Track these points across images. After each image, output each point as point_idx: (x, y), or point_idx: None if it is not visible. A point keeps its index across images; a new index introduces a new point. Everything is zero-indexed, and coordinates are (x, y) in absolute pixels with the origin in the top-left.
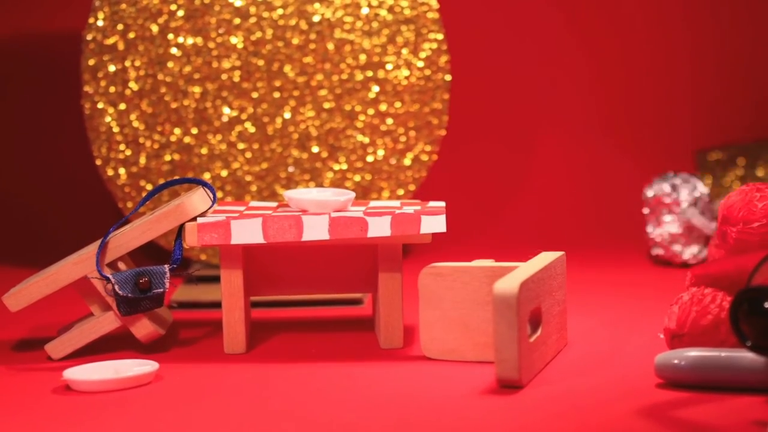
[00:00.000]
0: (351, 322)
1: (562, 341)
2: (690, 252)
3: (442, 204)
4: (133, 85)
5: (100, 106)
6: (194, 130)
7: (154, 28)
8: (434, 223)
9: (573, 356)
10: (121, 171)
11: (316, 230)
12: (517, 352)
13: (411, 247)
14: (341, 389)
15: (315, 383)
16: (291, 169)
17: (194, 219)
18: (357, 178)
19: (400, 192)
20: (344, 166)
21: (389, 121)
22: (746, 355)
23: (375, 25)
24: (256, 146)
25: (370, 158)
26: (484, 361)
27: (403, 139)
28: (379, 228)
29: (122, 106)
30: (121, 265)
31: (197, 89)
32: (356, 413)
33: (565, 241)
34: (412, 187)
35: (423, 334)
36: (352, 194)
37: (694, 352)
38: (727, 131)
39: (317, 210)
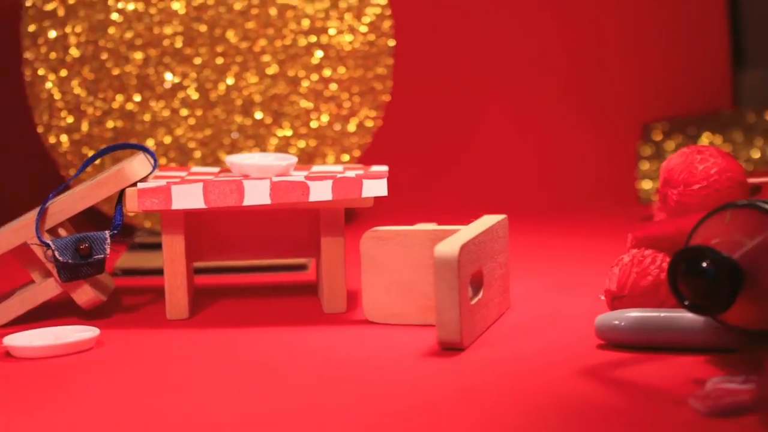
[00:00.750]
0: (295, 288)
1: (504, 304)
2: None
3: (385, 168)
4: (74, 52)
5: (40, 72)
6: (137, 97)
7: None
8: (375, 187)
9: (515, 319)
10: (63, 138)
11: (257, 195)
12: (458, 315)
13: (356, 212)
14: (283, 354)
15: (257, 349)
16: (234, 135)
17: (135, 184)
18: (301, 144)
19: (345, 158)
20: (288, 132)
21: (333, 86)
22: (685, 316)
23: None
24: (199, 113)
25: (314, 124)
26: (427, 324)
27: (347, 104)
28: (321, 192)
29: (63, 73)
30: (62, 232)
31: (139, 55)
32: (299, 378)
33: (510, 206)
34: (356, 153)
35: (366, 299)
36: (294, 159)
37: (634, 313)
38: (674, 104)
39: (259, 175)
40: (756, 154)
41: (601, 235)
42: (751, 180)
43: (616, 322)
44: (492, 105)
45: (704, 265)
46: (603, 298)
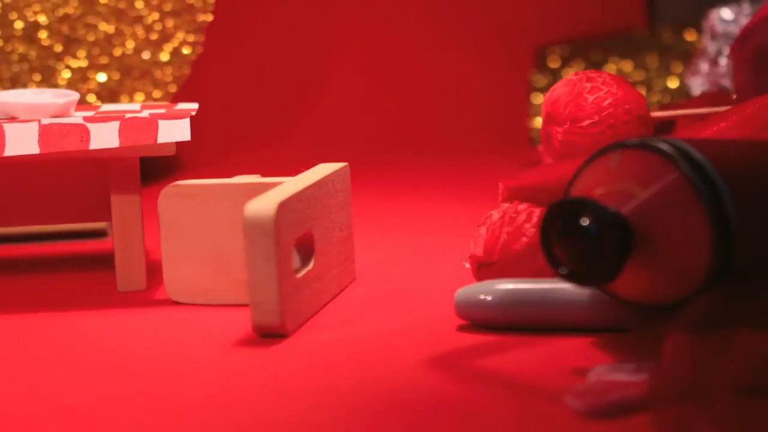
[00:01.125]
0: (88, 261)
1: (347, 276)
2: None
3: (193, 105)
4: None
5: None
6: None
7: None
8: (175, 129)
9: (359, 295)
10: None
11: (22, 142)
12: (277, 292)
13: (167, 164)
14: (64, 346)
15: (32, 338)
16: (17, 68)
17: None
18: (101, 77)
19: (158, 94)
20: (84, 63)
21: (139, 4)
22: (567, 287)
23: None
24: None
25: (117, 52)
26: (244, 304)
27: (158, 27)
28: (105, 137)
29: None
30: None
31: None
32: (80, 378)
33: (369, 154)
34: (172, 88)
35: (167, 273)
36: (75, 95)
37: (502, 285)
38: (575, 23)
39: (28, 116)
40: (673, 83)
41: (478, 186)
42: (657, 114)
43: (482, 297)
44: (351, 27)
45: (584, 222)
46: (468, 266)
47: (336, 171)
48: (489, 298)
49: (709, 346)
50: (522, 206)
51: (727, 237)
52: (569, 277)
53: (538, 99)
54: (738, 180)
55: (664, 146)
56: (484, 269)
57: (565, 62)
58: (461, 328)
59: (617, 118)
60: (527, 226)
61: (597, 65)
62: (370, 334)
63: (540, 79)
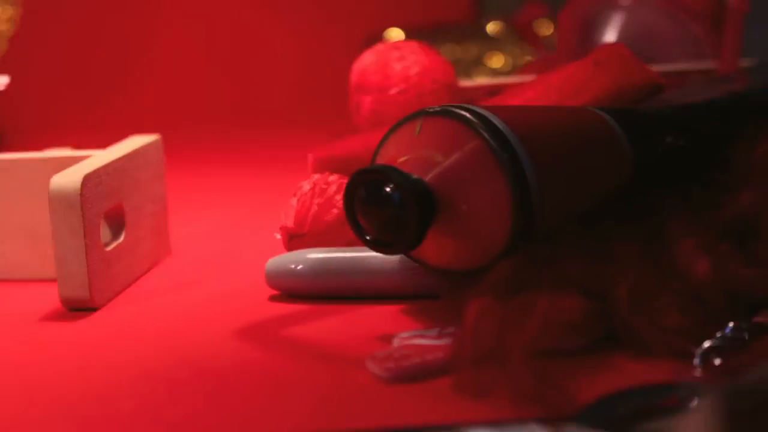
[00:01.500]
0: None
1: (161, 249)
2: None
3: (3, 79)
4: None
5: None
6: None
7: None
8: None
9: (174, 267)
10: None
11: None
12: (85, 265)
13: None
14: None
15: None
16: None
17: None
18: None
19: None
20: None
21: None
22: (376, 255)
23: None
24: None
25: None
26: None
27: None
28: None
29: None
30: None
31: None
32: None
33: (182, 131)
34: None
35: None
36: None
37: (312, 255)
38: (407, 13)
39: None
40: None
41: (296, 159)
42: (466, 84)
43: (291, 267)
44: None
45: (387, 189)
46: (279, 236)
47: (148, 144)
48: (299, 267)
49: (509, 310)
50: (333, 177)
51: (528, 203)
52: (374, 245)
53: None
54: (538, 147)
55: (465, 113)
56: (295, 240)
57: None
58: (272, 298)
59: (424, 86)
60: (338, 197)
61: None
62: (180, 306)
63: None
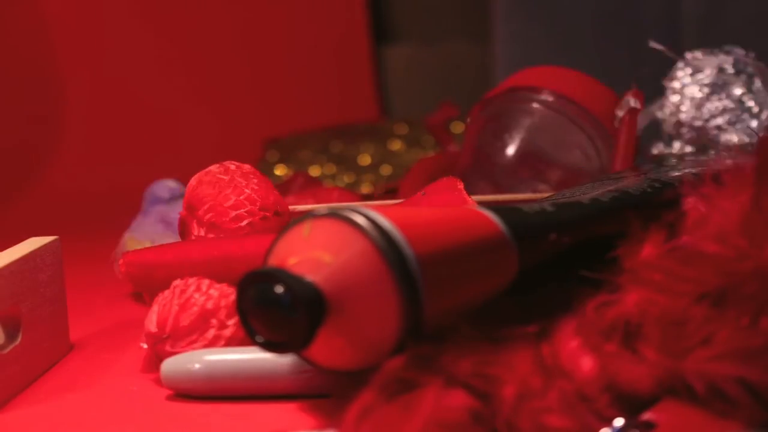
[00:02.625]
0: None
1: (61, 348)
2: None
3: None
4: None
5: None
6: None
7: None
8: None
9: (74, 367)
10: None
11: None
12: None
13: None
14: None
15: None
16: None
17: None
18: None
19: None
20: None
21: None
22: (270, 356)
23: None
24: None
25: None
26: None
27: None
28: None
29: None
30: None
31: None
32: None
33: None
34: None
35: None
36: None
37: (207, 356)
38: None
39: None
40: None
41: None
42: (298, 209)
43: (187, 367)
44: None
45: (277, 291)
46: (145, 346)
47: (45, 245)
48: (195, 367)
49: (392, 410)
50: (192, 279)
51: (416, 303)
52: (265, 346)
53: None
54: (426, 247)
55: (352, 215)
56: (160, 345)
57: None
58: (169, 398)
59: (254, 214)
60: (197, 295)
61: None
62: (76, 406)
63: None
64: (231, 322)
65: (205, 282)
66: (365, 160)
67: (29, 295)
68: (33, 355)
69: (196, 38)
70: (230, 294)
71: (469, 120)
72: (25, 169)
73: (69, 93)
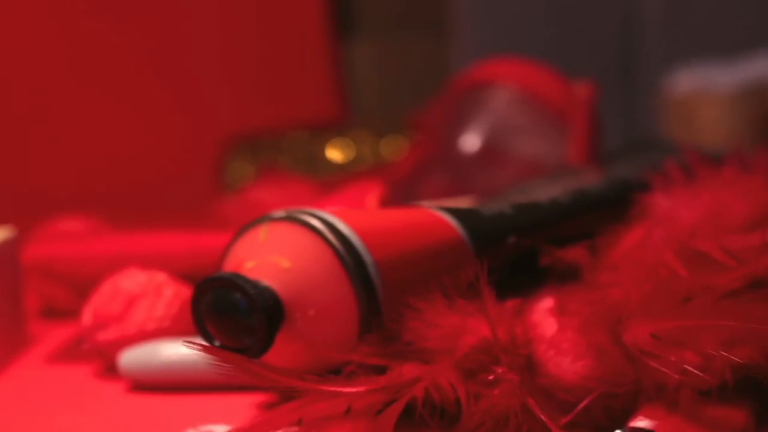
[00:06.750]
0: None
1: (16, 342)
2: None
3: None
4: None
5: None
6: None
7: None
8: None
9: (35, 357)
10: None
11: None
12: None
13: None
14: None
15: None
16: None
17: None
18: None
19: None
20: None
21: None
22: None
23: None
24: None
25: None
26: None
27: None
28: None
29: None
30: None
31: None
32: None
33: None
34: None
35: None
36: None
37: (166, 346)
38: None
39: None
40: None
41: None
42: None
43: (147, 358)
44: None
45: (234, 296)
46: (83, 341)
47: (2, 238)
48: (154, 359)
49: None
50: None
51: (374, 306)
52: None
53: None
54: (383, 249)
55: (310, 219)
56: (93, 336)
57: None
58: (130, 389)
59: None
60: (125, 282)
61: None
62: (33, 400)
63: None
64: (160, 303)
65: (134, 270)
66: (330, 155)
67: None
68: None
69: (152, 38)
70: (158, 277)
71: (430, 112)
72: None
73: (27, 85)
